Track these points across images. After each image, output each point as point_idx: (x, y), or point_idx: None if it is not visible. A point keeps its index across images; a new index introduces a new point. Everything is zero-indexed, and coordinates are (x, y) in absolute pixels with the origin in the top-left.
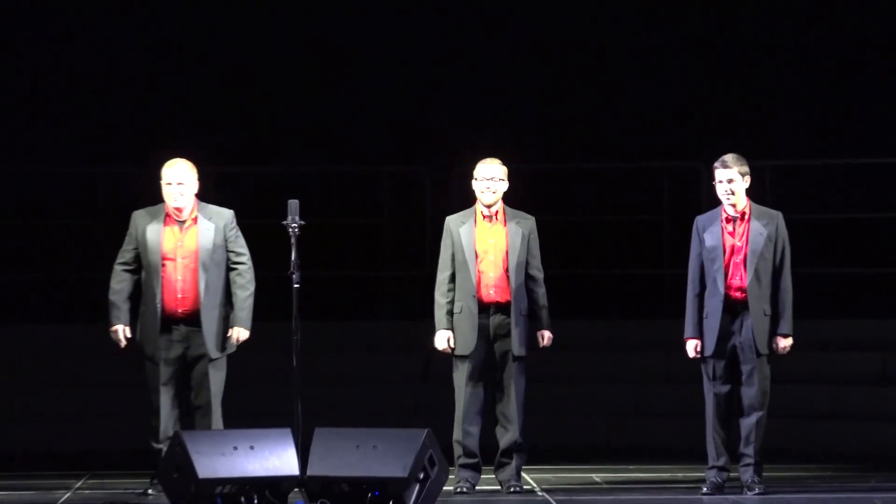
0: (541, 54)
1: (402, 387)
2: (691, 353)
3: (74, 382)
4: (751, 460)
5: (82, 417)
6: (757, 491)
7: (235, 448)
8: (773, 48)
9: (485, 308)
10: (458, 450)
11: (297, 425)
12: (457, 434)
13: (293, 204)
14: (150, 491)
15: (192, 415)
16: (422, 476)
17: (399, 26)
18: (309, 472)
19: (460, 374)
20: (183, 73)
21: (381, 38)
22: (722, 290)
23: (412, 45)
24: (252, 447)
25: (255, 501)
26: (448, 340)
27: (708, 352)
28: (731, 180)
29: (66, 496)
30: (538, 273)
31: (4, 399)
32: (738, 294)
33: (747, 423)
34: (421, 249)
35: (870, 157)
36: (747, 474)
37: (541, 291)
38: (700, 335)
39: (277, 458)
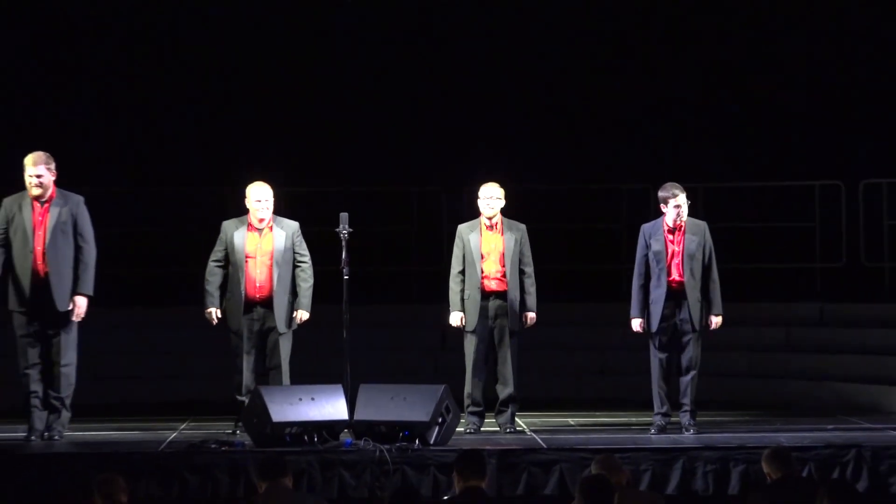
0: (529, 104)
1: (425, 353)
2: (636, 328)
3: (178, 349)
4: (688, 408)
5: (185, 376)
6: (692, 431)
7: (300, 399)
8: (705, 97)
9: (487, 295)
10: (467, 401)
11: (347, 382)
12: (467, 389)
13: (343, 216)
14: (237, 432)
15: (266, 374)
16: (440, 420)
17: (423, 85)
18: (355, 417)
19: (469, 344)
20: (258, 117)
21: (409, 96)
22: (665, 282)
23: (434, 101)
24: (313, 398)
25: (315, 439)
26: (461, 319)
27: (654, 328)
28: (680, 206)
29: (173, 435)
30: (528, 268)
31: (130, 362)
32: (677, 286)
33: (685, 380)
34: (439, 250)
35: (776, 181)
36: (685, 418)
37: (529, 282)
38: (643, 315)
39: (332, 406)
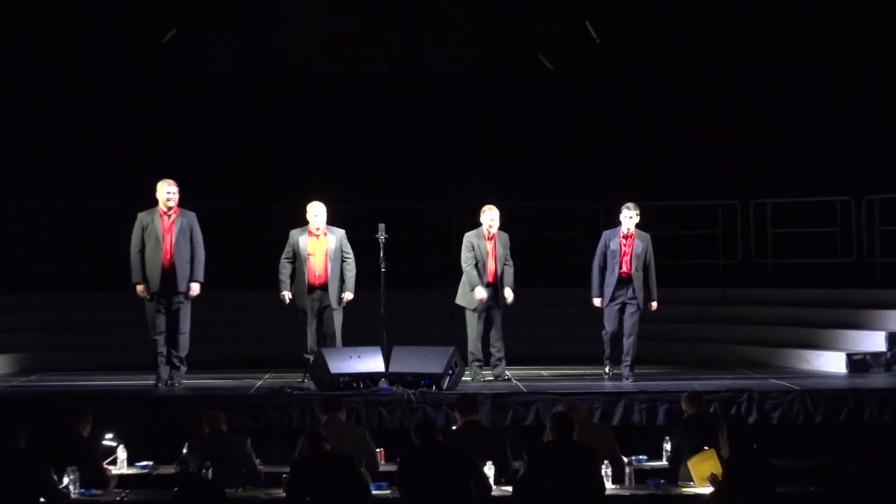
0: (513, 147)
1: (439, 324)
2: (597, 304)
3: (262, 320)
4: (628, 362)
5: (267, 341)
6: (631, 380)
7: (350, 357)
8: (642, 140)
9: (487, 284)
10: (471, 356)
11: (384, 345)
12: (471, 348)
13: (381, 225)
14: (305, 381)
15: (324, 339)
16: (451, 372)
17: (439, 135)
18: (390, 370)
19: (471, 317)
20: (322, 156)
21: (429, 143)
22: (617, 273)
23: (447, 147)
24: (359, 356)
25: (361, 385)
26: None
27: (607, 304)
28: (632, 217)
29: (259, 383)
30: (510, 261)
31: (228, 330)
32: (626, 276)
33: (627, 342)
34: (449, 251)
35: (692, 201)
36: (626, 371)
37: (510, 271)
38: (601, 295)
39: (373, 362)
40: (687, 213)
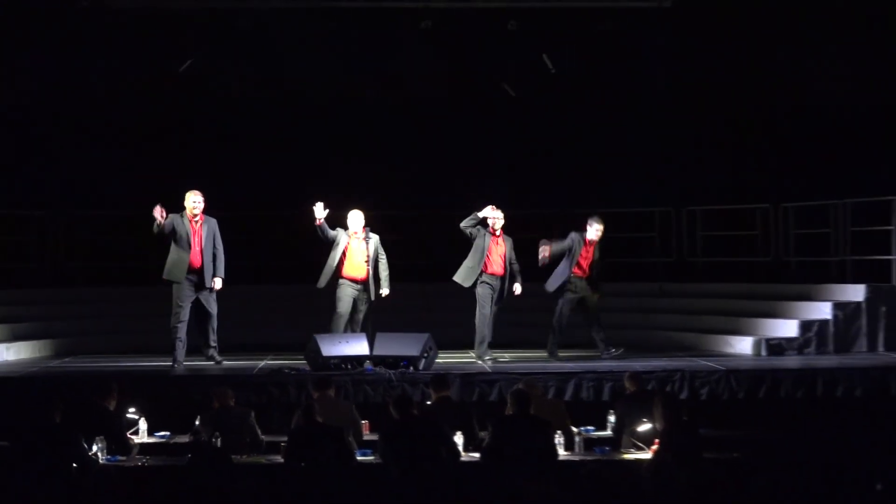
0: (509, 164)
1: (416, 314)
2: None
3: (266, 311)
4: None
5: (267, 328)
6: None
7: (339, 342)
8: (597, 154)
9: (493, 276)
10: (478, 336)
11: (368, 331)
12: (481, 336)
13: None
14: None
15: (358, 324)
16: (426, 355)
17: (437, 154)
18: (374, 353)
19: (483, 300)
20: (315, 171)
21: (428, 161)
22: (576, 271)
23: (446, 164)
24: (348, 341)
25: (349, 366)
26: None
27: (566, 297)
28: (599, 230)
29: (262, 363)
30: (515, 262)
31: (246, 319)
32: (587, 276)
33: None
34: (427, 252)
35: (633, 208)
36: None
37: (517, 268)
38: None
39: (359, 346)
40: (629, 218)
